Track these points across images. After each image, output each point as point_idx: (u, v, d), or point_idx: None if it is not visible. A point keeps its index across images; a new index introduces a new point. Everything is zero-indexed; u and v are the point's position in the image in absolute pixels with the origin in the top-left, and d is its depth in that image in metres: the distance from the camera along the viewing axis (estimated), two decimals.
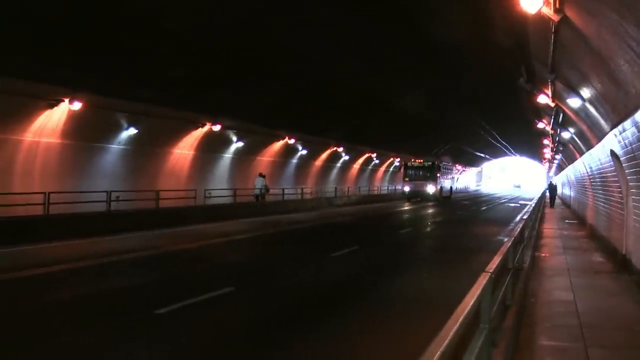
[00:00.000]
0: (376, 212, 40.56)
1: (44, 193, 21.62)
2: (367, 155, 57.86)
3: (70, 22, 18.24)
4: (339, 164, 53.88)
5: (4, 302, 10.97)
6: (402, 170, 62.53)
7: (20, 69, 19.63)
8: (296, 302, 11.40)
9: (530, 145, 68.79)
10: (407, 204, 55.16)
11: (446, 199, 65.13)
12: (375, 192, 64.43)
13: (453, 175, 77.37)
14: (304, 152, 44.23)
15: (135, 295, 11.69)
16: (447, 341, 3.25)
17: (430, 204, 54.70)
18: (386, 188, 68.97)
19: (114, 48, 20.93)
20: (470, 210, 45.49)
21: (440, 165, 63.47)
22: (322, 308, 10.82)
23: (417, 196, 59.26)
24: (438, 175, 61.10)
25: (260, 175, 36.35)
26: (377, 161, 63.06)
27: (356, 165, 58.56)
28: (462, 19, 20.34)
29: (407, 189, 60.02)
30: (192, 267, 15.67)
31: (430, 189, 59.33)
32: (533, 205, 27.75)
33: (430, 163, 61.27)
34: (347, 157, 53.18)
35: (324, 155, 49.19)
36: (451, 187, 71.29)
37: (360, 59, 28.38)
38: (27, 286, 12.52)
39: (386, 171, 69.68)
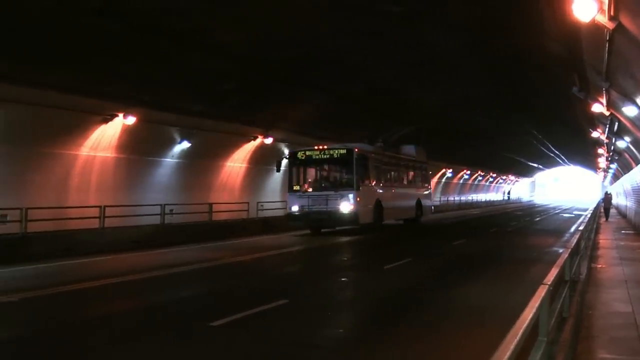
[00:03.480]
0: None
1: (100, 207, 22.12)
2: None
3: (123, 37, 18.65)
4: None
5: (58, 315, 11.12)
6: (287, 168, 31.22)
7: (75, 85, 20.20)
8: (347, 313, 11.43)
9: (584, 154, 67.57)
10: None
11: (411, 222, 37.77)
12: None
13: (422, 182, 42.00)
14: None
15: (190, 307, 11.82)
16: (509, 353, 3.24)
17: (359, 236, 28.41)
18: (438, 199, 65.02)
19: (166, 62, 21.39)
20: (524, 221, 44.87)
21: (369, 157, 30.86)
22: (374, 318, 10.81)
23: (315, 222, 29.36)
24: (366, 178, 30.19)
25: None
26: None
27: None
28: (516, 27, 20.13)
29: (295, 207, 29.21)
30: (246, 279, 15.78)
31: (345, 205, 28.33)
32: (588, 215, 27.17)
33: (344, 152, 29.37)
34: None
35: None
36: (419, 202, 39.08)
37: (410, 67, 28.28)
38: (83, 298, 12.75)
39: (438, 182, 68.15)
